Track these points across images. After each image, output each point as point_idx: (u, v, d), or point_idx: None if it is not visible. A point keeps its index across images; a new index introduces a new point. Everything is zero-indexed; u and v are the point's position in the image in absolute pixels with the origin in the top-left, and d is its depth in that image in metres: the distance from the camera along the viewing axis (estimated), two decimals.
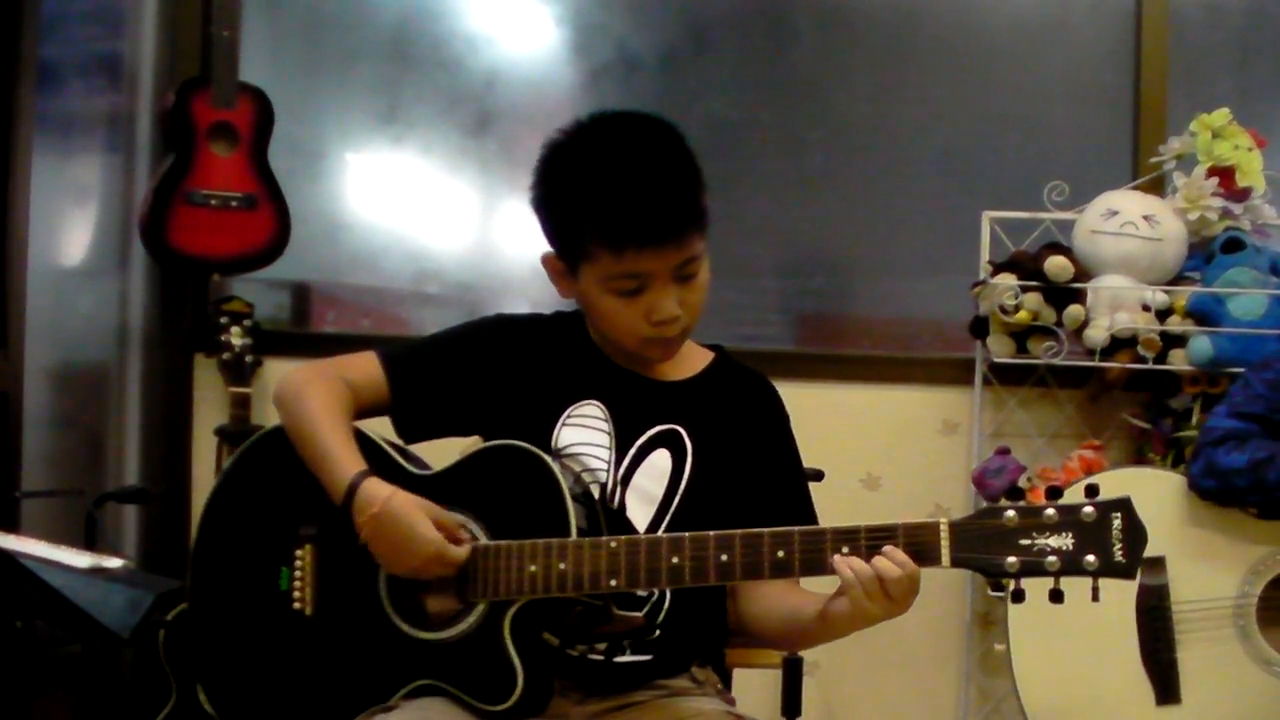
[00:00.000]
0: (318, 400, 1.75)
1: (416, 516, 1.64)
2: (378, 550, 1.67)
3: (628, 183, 1.67)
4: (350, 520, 1.68)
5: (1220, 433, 2.42)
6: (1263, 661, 2.30)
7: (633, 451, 1.78)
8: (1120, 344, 2.98)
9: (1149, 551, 1.51)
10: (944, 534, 1.54)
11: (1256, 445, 2.37)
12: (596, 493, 1.76)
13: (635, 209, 1.66)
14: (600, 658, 1.73)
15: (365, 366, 1.82)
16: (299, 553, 1.74)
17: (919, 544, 1.54)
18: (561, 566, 1.61)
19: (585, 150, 1.72)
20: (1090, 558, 1.50)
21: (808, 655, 2.79)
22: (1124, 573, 1.51)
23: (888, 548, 1.54)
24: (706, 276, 1.75)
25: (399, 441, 1.83)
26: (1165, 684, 2.31)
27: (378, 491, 1.66)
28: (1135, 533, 1.51)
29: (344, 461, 1.70)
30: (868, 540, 1.55)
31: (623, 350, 1.81)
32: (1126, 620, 2.32)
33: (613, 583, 1.61)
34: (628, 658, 1.74)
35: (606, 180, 1.68)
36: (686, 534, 1.61)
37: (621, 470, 1.77)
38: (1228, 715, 2.32)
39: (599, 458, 1.77)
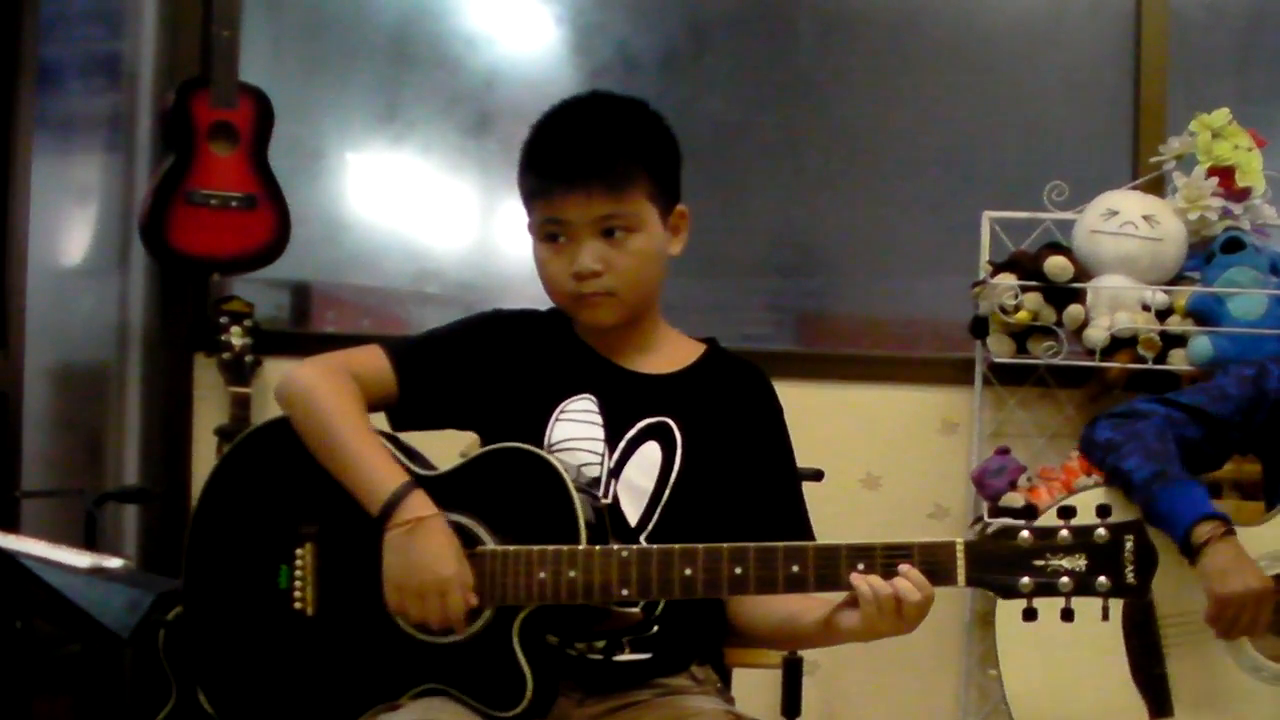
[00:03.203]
0: (336, 400, 1.74)
1: (455, 544, 1.63)
2: (396, 556, 1.64)
3: (559, 129, 1.78)
4: (363, 523, 1.67)
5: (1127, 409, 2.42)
6: (1253, 669, 2.30)
7: (623, 444, 1.78)
8: (1120, 344, 2.98)
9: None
10: (959, 554, 1.56)
11: (1131, 430, 2.35)
12: None
13: (557, 151, 1.75)
14: (600, 657, 1.73)
15: (371, 360, 1.80)
16: (299, 551, 1.74)
17: (934, 564, 1.56)
18: (571, 574, 1.61)
19: (549, 111, 1.82)
20: (1102, 579, 1.52)
21: (808, 655, 2.79)
22: (1135, 594, 1.54)
23: (905, 567, 1.55)
24: (647, 246, 1.77)
25: (393, 434, 1.82)
26: (1157, 698, 2.30)
27: (426, 506, 1.65)
28: (1146, 555, 1.53)
29: (383, 470, 1.68)
30: (883, 558, 1.57)
31: (608, 336, 1.82)
32: (1115, 637, 2.31)
33: (624, 592, 1.61)
34: (627, 656, 1.74)
35: (543, 126, 1.80)
36: (700, 545, 1.60)
37: (613, 463, 1.77)
38: None
39: (592, 451, 1.77)
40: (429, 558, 1.62)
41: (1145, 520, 2.23)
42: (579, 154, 1.74)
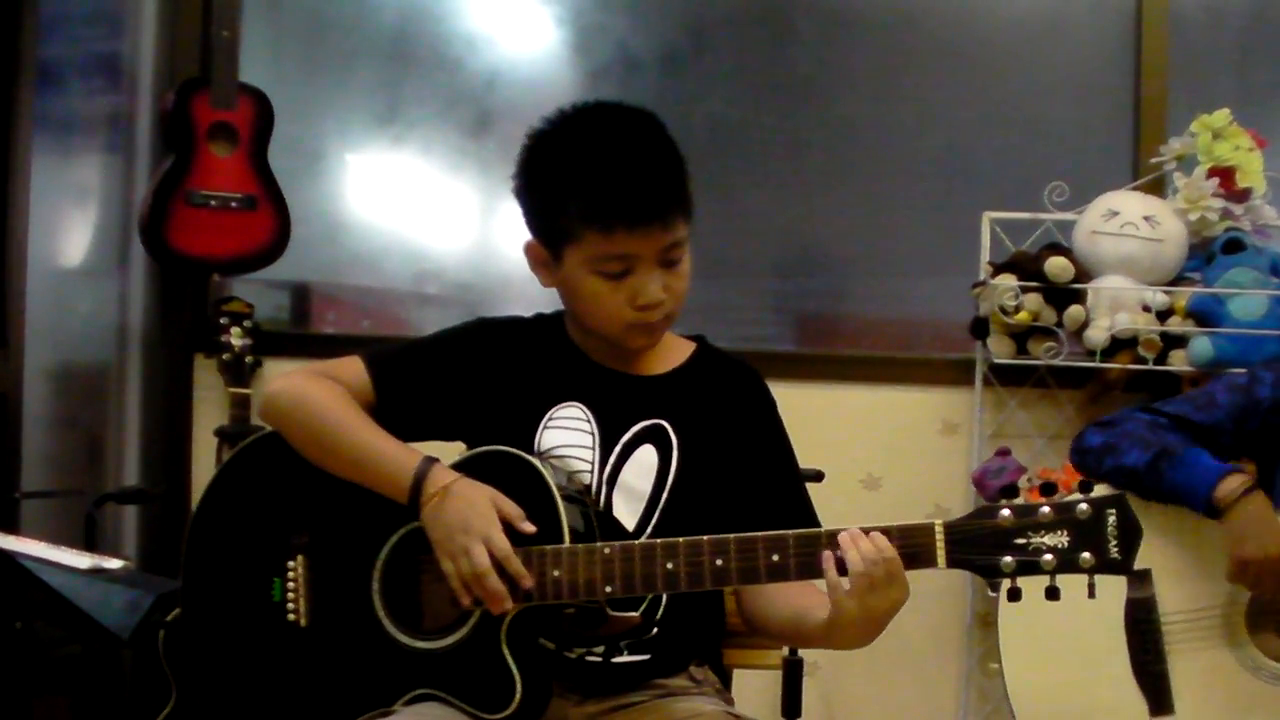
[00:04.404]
0: (331, 402, 1.74)
1: (479, 497, 1.62)
2: (435, 528, 1.63)
3: (616, 162, 1.69)
4: (352, 532, 1.68)
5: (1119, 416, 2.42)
6: (1253, 668, 2.30)
7: (618, 450, 1.77)
8: (1120, 345, 2.98)
9: (1135, 565, 1.52)
10: (939, 535, 1.54)
11: (1121, 431, 2.35)
12: None
13: (624, 187, 1.67)
14: (598, 659, 1.73)
15: (350, 370, 1.80)
16: (291, 563, 1.74)
17: (914, 546, 1.54)
18: (556, 574, 1.60)
19: (571, 134, 1.74)
20: (1086, 555, 1.50)
21: (808, 655, 2.79)
22: (1120, 569, 1.51)
23: (875, 534, 1.53)
24: (689, 265, 1.75)
25: None
26: (1157, 696, 2.30)
27: (444, 476, 1.65)
28: (1130, 529, 1.51)
29: (399, 456, 1.69)
30: None
31: (603, 342, 1.80)
32: (1116, 635, 2.31)
33: (608, 589, 1.60)
34: (625, 658, 1.74)
35: (595, 160, 1.69)
36: (681, 539, 1.60)
37: (607, 470, 1.76)
38: None
39: (583, 459, 1.76)
40: (462, 511, 1.61)
41: (1160, 500, 2.25)
42: (647, 191, 1.68)
